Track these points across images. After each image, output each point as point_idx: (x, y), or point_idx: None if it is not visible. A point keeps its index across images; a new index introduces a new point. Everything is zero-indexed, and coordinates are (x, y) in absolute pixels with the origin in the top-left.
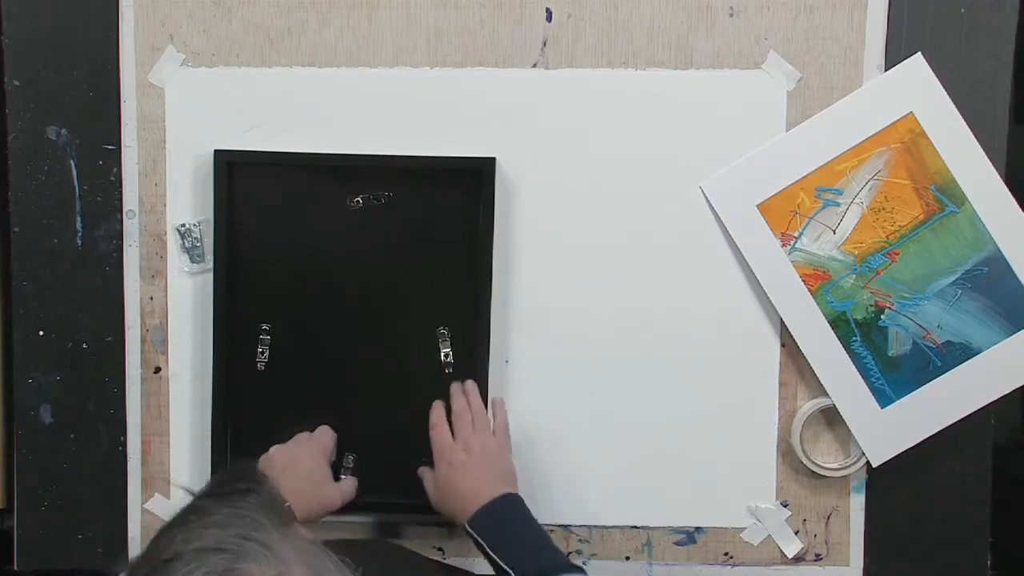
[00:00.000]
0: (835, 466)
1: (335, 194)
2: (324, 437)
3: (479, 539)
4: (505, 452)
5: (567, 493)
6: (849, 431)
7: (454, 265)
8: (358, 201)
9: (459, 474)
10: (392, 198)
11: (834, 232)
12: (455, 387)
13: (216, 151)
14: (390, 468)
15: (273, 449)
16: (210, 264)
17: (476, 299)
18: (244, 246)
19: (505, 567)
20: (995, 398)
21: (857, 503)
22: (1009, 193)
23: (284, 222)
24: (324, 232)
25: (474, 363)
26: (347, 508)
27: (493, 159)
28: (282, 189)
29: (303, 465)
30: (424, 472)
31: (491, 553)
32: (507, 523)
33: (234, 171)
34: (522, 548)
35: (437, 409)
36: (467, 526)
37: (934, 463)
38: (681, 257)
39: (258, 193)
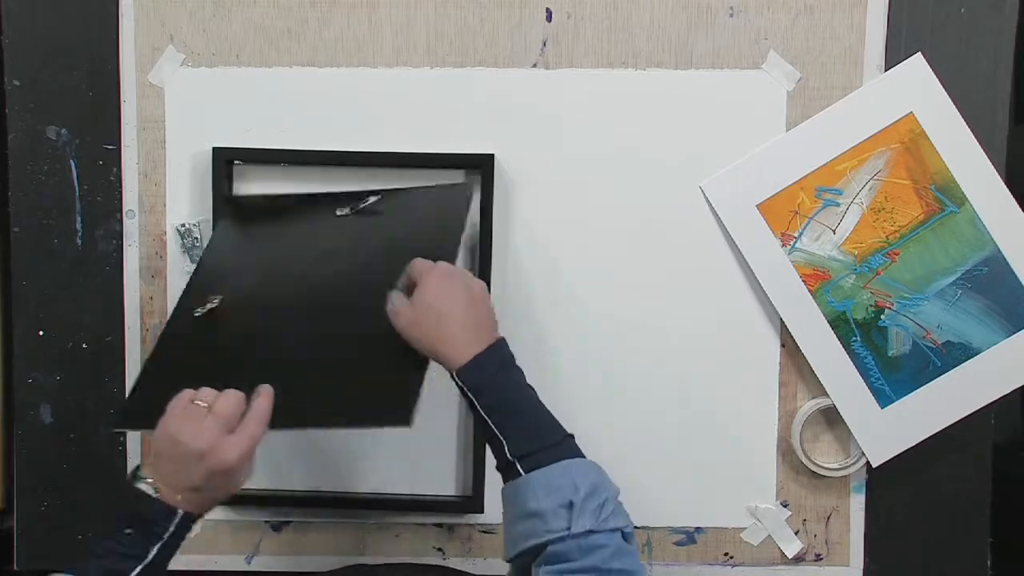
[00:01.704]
0: (835, 466)
1: (334, 192)
2: (226, 406)
3: (471, 396)
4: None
5: None
6: (849, 431)
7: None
8: (347, 212)
9: (460, 302)
10: (379, 202)
11: (834, 232)
12: None
13: (214, 148)
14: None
15: (159, 426)
16: None
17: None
18: (243, 245)
19: (498, 434)
20: (995, 398)
21: (857, 503)
22: (1009, 193)
23: (283, 221)
24: (324, 231)
25: None
26: (346, 505)
27: (492, 155)
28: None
29: (182, 448)
30: (398, 297)
31: (483, 415)
32: (503, 377)
33: (233, 170)
34: (516, 415)
35: None
36: (456, 376)
37: (934, 463)
38: (681, 257)
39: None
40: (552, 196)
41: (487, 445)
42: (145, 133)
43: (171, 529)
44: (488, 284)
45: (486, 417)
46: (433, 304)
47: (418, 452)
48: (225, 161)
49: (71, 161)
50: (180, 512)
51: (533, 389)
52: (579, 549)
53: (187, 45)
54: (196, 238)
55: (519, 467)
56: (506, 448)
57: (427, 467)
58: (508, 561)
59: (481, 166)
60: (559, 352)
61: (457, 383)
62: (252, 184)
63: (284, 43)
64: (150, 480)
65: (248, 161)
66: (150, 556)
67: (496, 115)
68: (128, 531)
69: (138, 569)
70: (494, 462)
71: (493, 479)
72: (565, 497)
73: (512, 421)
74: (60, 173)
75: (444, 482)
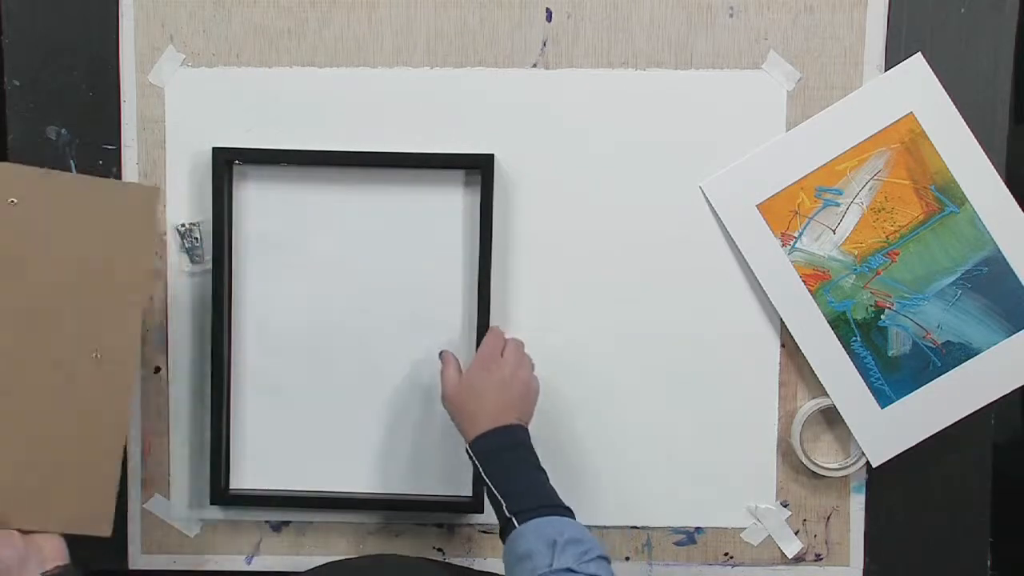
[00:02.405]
0: (835, 466)
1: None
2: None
3: (476, 462)
4: (536, 397)
5: (568, 494)
6: (849, 431)
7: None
8: None
9: (493, 388)
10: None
11: (834, 232)
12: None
13: (214, 148)
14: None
15: None
16: (210, 264)
17: (476, 297)
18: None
19: (497, 495)
20: (995, 398)
21: (857, 503)
22: (1009, 193)
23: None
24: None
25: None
26: (346, 506)
27: (491, 156)
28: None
29: None
30: (449, 359)
31: (485, 478)
32: (509, 453)
33: (233, 170)
34: (517, 481)
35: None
36: (468, 446)
37: (934, 463)
38: (681, 257)
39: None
40: (552, 196)
41: (492, 508)
42: (145, 133)
43: None
44: (488, 283)
45: (488, 480)
46: (474, 386)
47: (418, 453)
48: (225, 161)
49: (71, 161)
50: None
51: (545, 472)
52: None
53: (187, 45)
54: (196, 238)
55: (515, 521)
56: (504, 506)
57: (427, 468)
58: None
59: (481, 166)
60: (558, 351)
61: (468, 453)
62: (252, 184)
63: (284, 43)
64: None
65: (248, 161)
66: None
67: (496, 115)
68: None
69: None
70: (499, 526)
71: None
72: (550, 537)
73: (513, 485)
74: None
75: (444, 483)
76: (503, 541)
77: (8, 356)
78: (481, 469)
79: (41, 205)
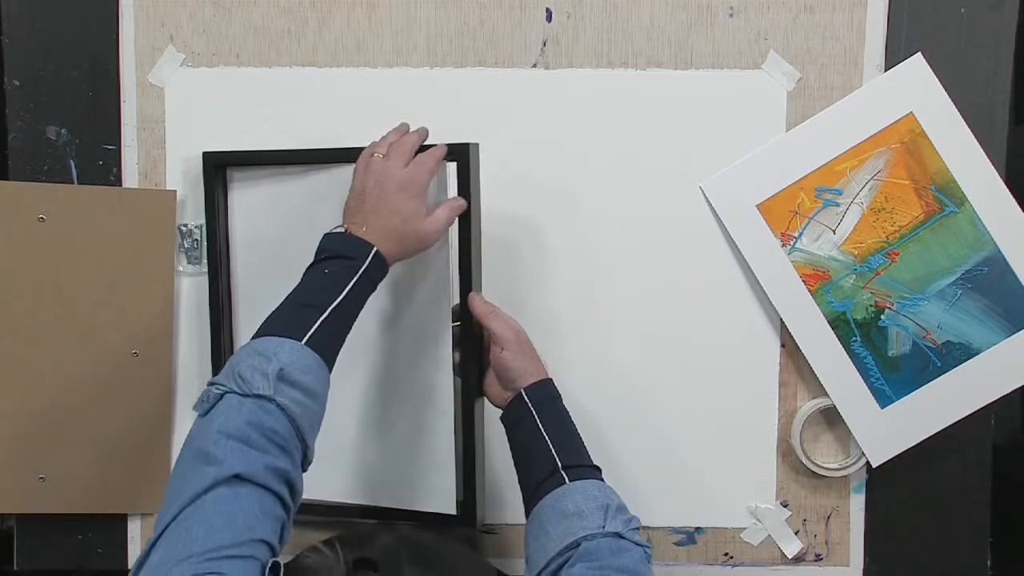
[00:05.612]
0: (835, 466)
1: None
2: (430, 159)
3: (533, 411)
4: None
5: None
6: (849, 431)
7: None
8: None
9: (530, 345)
10: None
11: (834, 232)
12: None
13: (204, 153)
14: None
15: (362, 173)
16: (207, 268)
17: (464, 294)
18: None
19: (551, 446)
20: (995, 398)
21: (857, 503)
22: (1009, 193)
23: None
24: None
25: (469, 363)
26: (340, 514)
27: (467, 145)
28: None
29: (390, 201)
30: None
31: (541, 428)
32: (561, 403)
33: (227, 172)
34: (567, 434)
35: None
36: (526, 392)
37: (934, 463)
38: (681, 257)
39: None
40: (551, 196)
41: (524, 464)
42: (145, 133)
43: (365, 265)
44: (469, 281)
45: (543, 430)
46: (525, 338)
47: (412, 469)
48: (216, 165)
49: (71, 161)
50: (375, 247)
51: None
52: (610, 550)
53: (187, 45)
54: (196, 240)
55: (565, 476)
56: (558, 458)
57: (420, 484)
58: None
59: (457, 157)
60: (558, 351)
61: (525, 398)
62: (249, 183)
63: (284, 43)
64: (348, 228)
65: (238, 164)
66: (343, 293)
67: (496, 115)
68: (327, 271)
69: (331, 307)
70: (529, 482)
71: (493, 492)
72: (601, 502)
73: (566, 437)
74: (60, 173)
75: (437, 499)
76: (535, 499)
77: (55, 361)
78: (537, 417)
79: (68, 219)
